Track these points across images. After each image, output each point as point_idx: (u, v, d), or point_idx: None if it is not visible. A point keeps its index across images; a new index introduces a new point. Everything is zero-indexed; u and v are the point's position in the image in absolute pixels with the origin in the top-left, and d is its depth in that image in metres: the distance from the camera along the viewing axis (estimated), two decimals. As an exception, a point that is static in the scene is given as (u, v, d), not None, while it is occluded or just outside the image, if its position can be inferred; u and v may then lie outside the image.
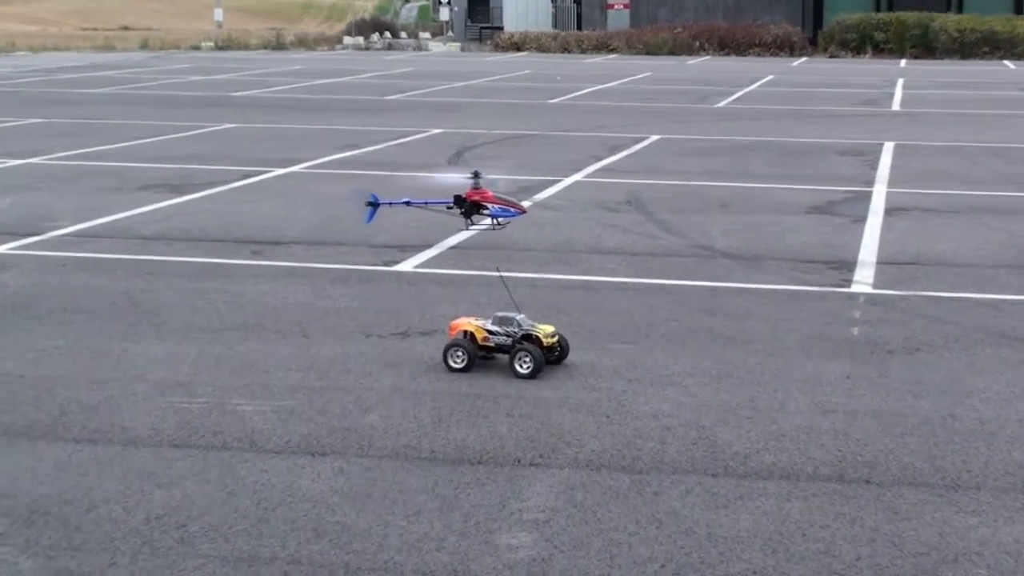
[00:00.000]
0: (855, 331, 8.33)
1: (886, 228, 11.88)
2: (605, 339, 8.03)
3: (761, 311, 8.78)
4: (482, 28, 63.83)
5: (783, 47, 46.78)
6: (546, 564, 4.83)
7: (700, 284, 9.66)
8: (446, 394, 6.88)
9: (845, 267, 10.21)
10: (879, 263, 10.35)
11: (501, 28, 59.88)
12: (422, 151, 17.81)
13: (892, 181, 14.83)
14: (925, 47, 45.04)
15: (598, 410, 6.63)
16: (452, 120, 21.94)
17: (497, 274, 8.09)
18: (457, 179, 8.51)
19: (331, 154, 17.16)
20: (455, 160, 16.46)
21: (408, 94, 28.12)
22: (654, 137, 19.33)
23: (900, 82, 32.01)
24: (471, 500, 5.43)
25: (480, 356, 7.33)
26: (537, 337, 7.27)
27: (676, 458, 5.95)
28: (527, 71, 36.44)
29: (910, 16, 46.62)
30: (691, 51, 46.63)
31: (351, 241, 11.10)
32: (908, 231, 11.80)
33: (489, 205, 9.40)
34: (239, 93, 28.19)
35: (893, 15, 47.34)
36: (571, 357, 7.48)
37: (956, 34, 44.96)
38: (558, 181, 14.68)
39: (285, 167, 15.82)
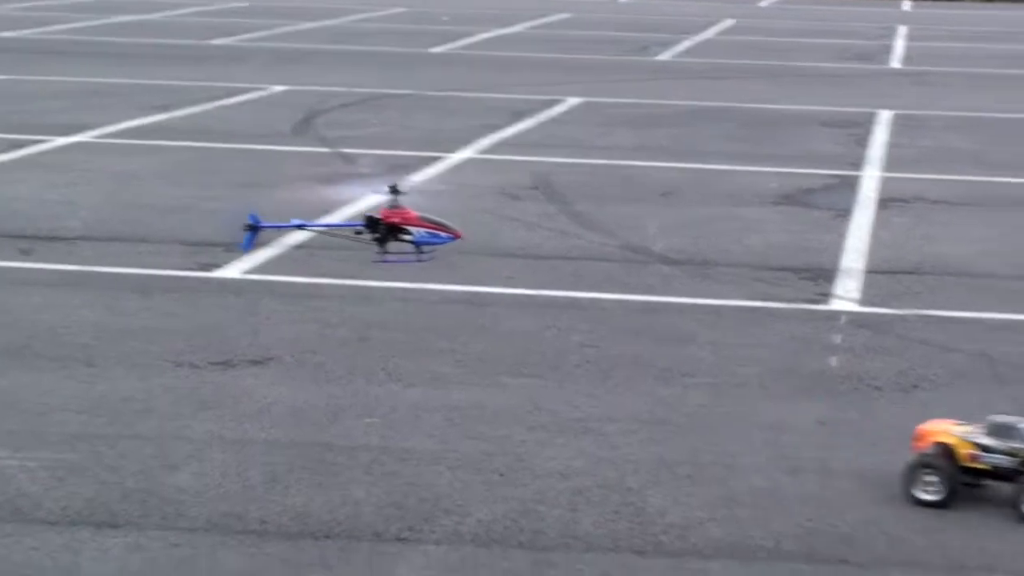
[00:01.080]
0: (834, 362, 8.41)
1: (878, 225, 11.99)
2: (498, 371, 8.08)
3: (709, 335, 8.84)
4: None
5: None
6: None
7: (629, 298, 9.67)
8: (283, 444, 6.89)
9: (823, 277, 10.28)
10: (868, 272, 10.45)
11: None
12: (258, 116, 17.69)
13: (888, 163, 15.00)
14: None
15: (488, 467, 6.67)
16: (298, 74, 21.75)
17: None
18: (364, 194, 8.50)
19: (132, 118, 17.02)
20: (301, 129, 16.34)
21: (240, 37, 27.84)
22: (573, 100, 19.30)
23: (902, 31, 32.30)
24: (315, 588, 5.46)
25: (964, 483, 6.36)
26: None
27: (591, 531, 5.99)
28: (400, 8, 36.25)
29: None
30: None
31: (156, 236, 11.03)
32: (907, 230, 11.91)
33: (413, 229, 9.43)
34: (4, 33, 27.81)
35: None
36: (455, 395, 7.54)
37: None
38: (440, 158, 14.66)
39: (69, 135, 15.69)
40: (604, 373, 8.12)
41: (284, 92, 19.72)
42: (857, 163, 14.92)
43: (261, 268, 10.30)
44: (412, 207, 8.77)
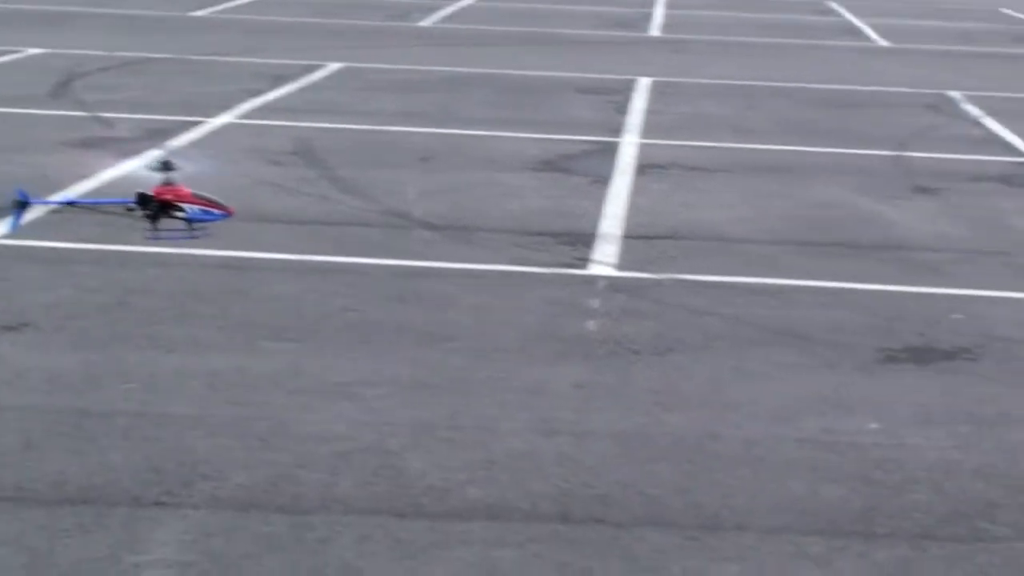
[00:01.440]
0: (591, 325, 8.49)
1: (636, 191, 12.13)
2: (259, 336, 8.07)
3: (469, 299, 8.89)
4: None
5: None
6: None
7: (389, 263, 9.69)
8: (38, 410, 6.81)
9: (581, 241, 10.35)
10: (626, 237, 10.56)
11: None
12: (11, 79, 17.40)
13: (646, 130, 15.18)
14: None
15: (248, 432, 6.66)
16: (56, 36, 21.42)
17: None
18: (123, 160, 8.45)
19: None
20: (59, 93, 16.14)
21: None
22: (334, 65, 19.33)
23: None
24: (72, 554, 5.41)
25: None
26: None
27: (351, 494, 6.03)
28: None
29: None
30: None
31: None
32: (665, 195, 12.07)
33: (185, 206, 9.31)
34: None
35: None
36: (215, 360, 7.53)
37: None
38: (200, 123, 14.55)
39: None
40: (365, 337, 8.13)
41: (41, 55, 19.43)
42: (616, 130, 15.08)
43: (15, 233, 10.14)
44: (185, 183, 8.66)
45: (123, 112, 14.85)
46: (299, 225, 10.73)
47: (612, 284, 9.40)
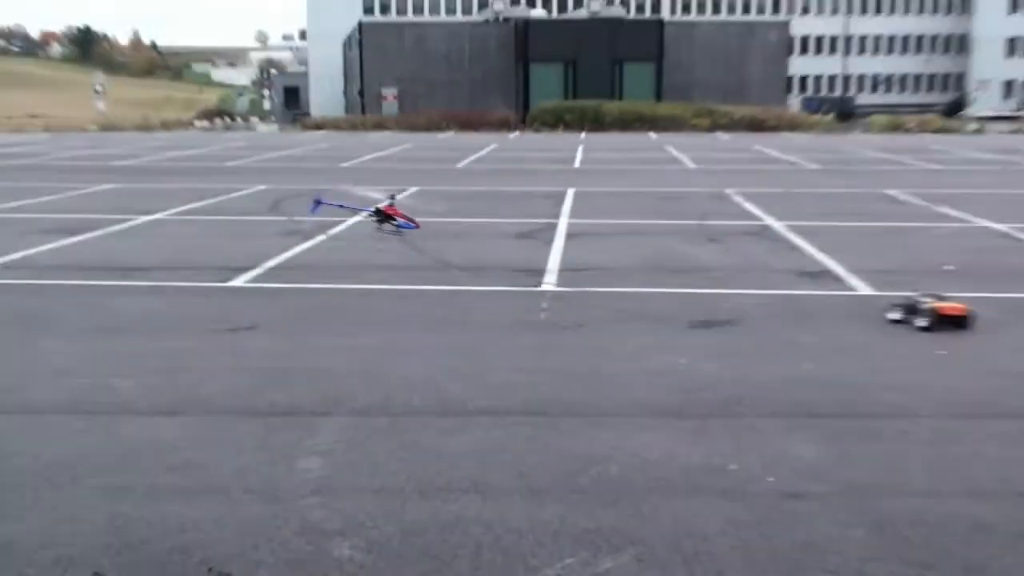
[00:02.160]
0: (543, 315, 8.53)
1: (567, 247, 12.13)
2: (374, 326, 8.13)
3: (481, 304, 8.95)
4: (295, 114, 63.13)
5: (504, 125, 47.49)
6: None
7: (439, 288, 9.65)
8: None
9: (538, 274, 10.38)
10: (561, 270, 10.57)
11: (308, 113, 59.21)
12: (251, 202, 17.49)
13: (573, 214, 15.21)
14: (599, 123, 46.38)
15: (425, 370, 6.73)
16: (272, 179, 21.58)
17: None
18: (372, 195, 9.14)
19: (185, 204, 16.78)
20: (275, 208, 16.20)
21: (240, 161, 27.58)
22: (414, 188, 19.39)
23: (581, 148, 32.84)
24: (280, 439, 5.47)
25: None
26: None
27: (435, 403, 6.12)
28: (325, 144, 36.09)
29: (588, 103, 48.01)
30: (440, 129, 46.92)
31: None
32: (581, 248, 12.07)
33: (398, 219, 9.35)
34: (119, 163, 27.21)
35: (577, 102, 48.68)
36: (360, 340, 7.57)
37: (619, 114, 46.47)
38: (346, 220, 14.44)
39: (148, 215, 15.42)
40: (429, 327, 8.15)
41: (265, 189, 19.42)
42: (557, 215, 15.09)
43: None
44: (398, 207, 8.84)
45: (305, 216, 14.83)
46: (394, 270, 10.71)
47: (554, 295, 9.41)
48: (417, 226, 9.42)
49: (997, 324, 8.24)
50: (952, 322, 7.84)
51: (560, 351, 7.36)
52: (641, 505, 4.67)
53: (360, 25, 57.39)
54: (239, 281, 10.01)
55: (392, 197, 8.97)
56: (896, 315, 8.16)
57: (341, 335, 7.80)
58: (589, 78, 52.21)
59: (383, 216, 9.49)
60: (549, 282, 9.96)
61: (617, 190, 19.22)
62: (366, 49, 54.84)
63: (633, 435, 5.58)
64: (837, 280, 10.11)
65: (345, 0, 76.03)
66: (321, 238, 12.69)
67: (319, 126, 50.49)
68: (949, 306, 7.94)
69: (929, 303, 7.98)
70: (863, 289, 9.66)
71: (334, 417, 5.85)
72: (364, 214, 9.06)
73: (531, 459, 5.22)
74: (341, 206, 9.21)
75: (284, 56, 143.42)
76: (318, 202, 8.95)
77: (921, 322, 7.90)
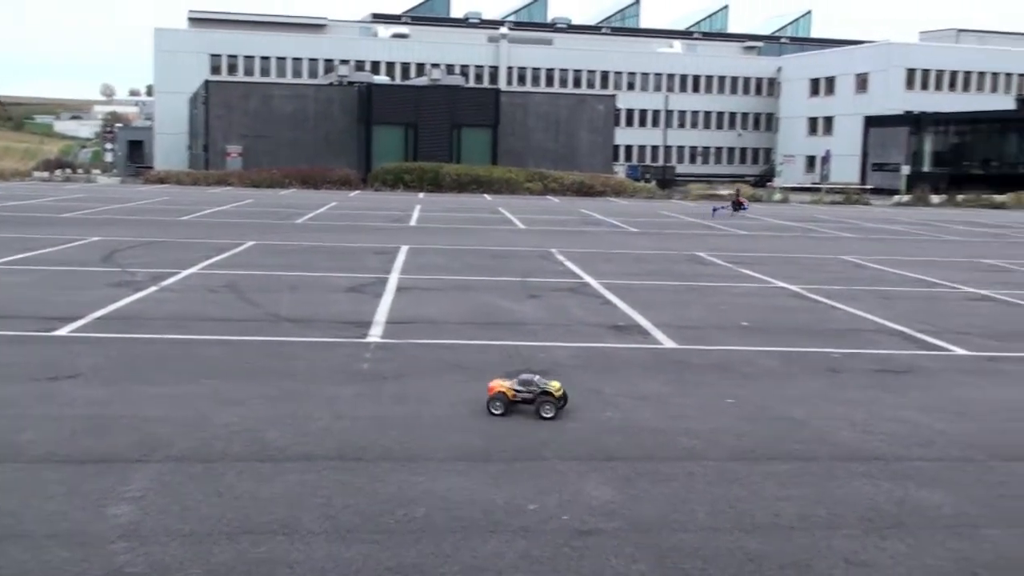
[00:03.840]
0: (365, 366, 8.52)
1: (395, 301, 12.15)
2: (200, 375, 7.97)
3: (307, 354, 8.87)
4: (137, 167, 61.45)
5: (345, 183, 47.27)
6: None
7: (267, 339, 9.55)
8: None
9: (365, 326, 10.37)
10: (388, 323, 10.59)
11: (151, 167, 57.72)
12: (85, 253, 16.88)
13: (404, 270, 15.24)
14: (437, 184, 46.69)
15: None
16: (108, 231, 20.86)
17: None
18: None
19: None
20: (108, 260, 15.66)
21: (77, 213, 26.58)
22: (250, 243, 19.08)
23: (418, 207, 32.96)
24: (92, 486, 5.30)
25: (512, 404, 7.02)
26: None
27: (235, 451, 6.03)
28: (166, 197, 35.18)
29: (427, 165, 48.33)
30: (283, 185, 46.36)
31: None
32: (409, 302, 12.09)
33: (745, 203, 12.21)
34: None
35: (416, 164, 48.92)
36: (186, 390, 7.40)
37: (456, 176, 46.93)
38: (179, 272, 14.27)
39: (-22, 264, 14.68)
40: (254, 375, 8.04)
41: (99, 240, 18.77)
42: (388, 271, 15.10)
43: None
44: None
45: (140, 268, 14.51)
46: (227, 322, 10.53)
47: (378, 346, 9.41)
48: (747, 207, 13.15)
49: (781, 375, 8.68)
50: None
51: (380, 399, 7.37)
52: (442, 544, 4.72)
53: (207, 83, 56.44)
54: (64, 331, 9.65)
55: (737, 191, 10.92)
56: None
57: (164, 384, 7.62)
58: (429, 141, 52.64)
59: (736, 204, 12.98)
60: (375, 334, 9.95)
61: (449, 247, 19.36)
62: (212, 106, 53.92)
63: (442, 478, 5.63)
64: (644, 334, 10.46)
65: (193, 58, 74.71)
66: (152, 289, 12.38)
67: (162, 179, 49.16)
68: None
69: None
70: (667, 343, 10.01)
71: (149, 464, 5.71)
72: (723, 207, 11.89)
73: (341, 502, 5.21)
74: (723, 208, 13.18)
75: (130, 110, 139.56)
76: (715, 209, 12.06)
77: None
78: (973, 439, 6.81)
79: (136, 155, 70.39)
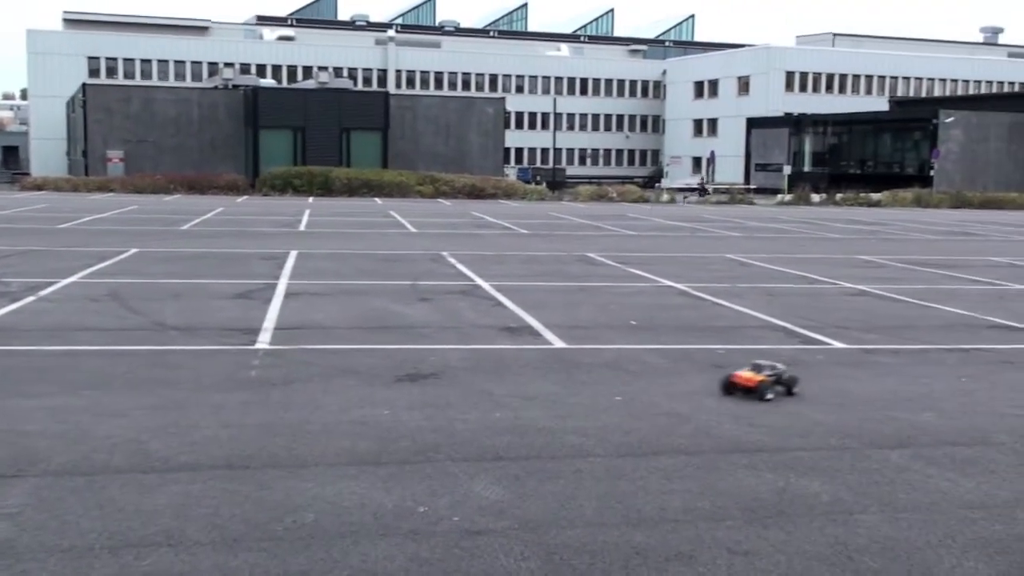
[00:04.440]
0: (253, 373, 8.42)
1: (284, 306, 12.03)
2: (79, 387, 7.78)
3: (192, 363, 8.73)
4: (13, 173, 59.33)
5: (233, 188, 46.45)
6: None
7: (152, 348, 9.38)
8: None
9: (253, 332, 10.25)
10: (276, 329, 10.48)
11: (28, 173, 55.75)
12: (-45, 263, 16.25)
13: (293, 276, 15.09)
14: (327, 189, 46.22)
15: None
16: (-18, 240, 20.12)
17: None
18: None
19: None
20: (-19, 269, 15.11)
21: (-51, 221, 25.53)
22: (133, 250, 18.62)
23: (307, 212, 32.60)
24: None
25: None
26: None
27: (114, 463, 5.90)
28: (44, 204, 34.04)
29: (317, 169, 47.79)
30: (168, 191, 45.31)
31: None
32: (298, 308, 11.98)
33: (710, 190, 20.48)
34: None
35: (305, 168, 48.33)
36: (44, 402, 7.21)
37: (346, 180, 46.53)
38: (58, 281, 13.84)
39: None
40: (135, 385, 7.86)
41: (-28, 250, 18.10)
42: (277, 276, 14.93)
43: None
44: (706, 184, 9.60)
45: (14, 278, 14.04)
46: (105, 331, 10.29)
47: (267, 352, 9.31)
48: (707, 192, 13.32)
49: (668, 371, 8.87)
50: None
51: (267, 406, 7.29)
52: (332, 549, 4.69)
53: (84, 87, 54.78)
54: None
55: (703, 179, 11.48)
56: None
57: (42, 396, 7.40)
58: (318, 145, 52.08)
59: (703, 189, 13.85)
60: (263, 341, 9.83)
61: (339, 252, 19.20)
62: (90, 110, 52.35)
63: (332, 484, 5.60)
64: (534, 335, 10.56)
65: (69, 60, 72.43)
66: (29, 299, 11.99)
67: (39, 186, 47.49)
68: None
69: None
70: (557, 343, 10.12)
71: (26, 478, 5.55)
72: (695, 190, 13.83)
73: (228, 511, 5.14)
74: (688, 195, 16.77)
75: (4, 115, 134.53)
76: (685, 196, 14.29)
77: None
78: (850, 429, 7.06)
79: (11, 161, 68.02)
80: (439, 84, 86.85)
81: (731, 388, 7.80)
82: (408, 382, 8.21)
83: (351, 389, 7.89)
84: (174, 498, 5.30)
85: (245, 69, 74.27)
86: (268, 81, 67.42)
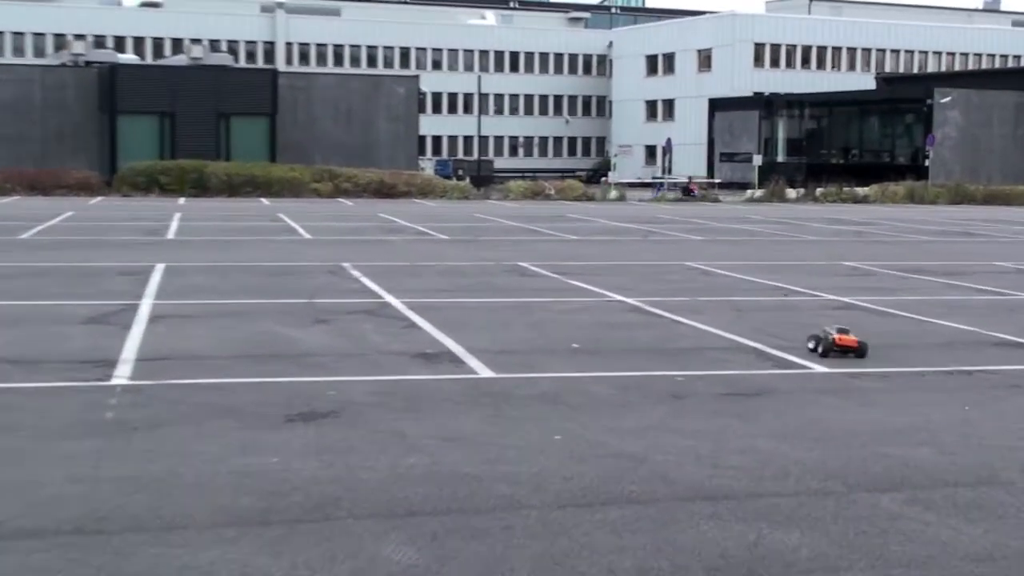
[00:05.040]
0: (109, 415, 8.28)
1: (148, 332, 11.87)
2: None
3: (34, 404, 8.58)
4: None
5: (85, 188, 45.74)
6: None
7: (-19, 386, 9.19)
8: None
9: (109, 364, 10.08)
10: (138, 360, 10.33)
11: None
12: None
13: (159, 295, 14.91)
14: (202, 187, 45.78)
15: None
16: None
17: None
18: None
19: None
20: None
21: None
22: (-40, 265, 18.20)
23: (178, 216, 32.26)
24: None
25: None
26: None
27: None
28: None
29: (189, 163, 47.32)
30: (3, 192, 44.47)
31: None
32: (165, 334, 11.85)
33: (695, 191, 25.71)
34: None
35: (175, 162, 47.88)
36: None
37: (225, 177, 46.16)
38: None
39: None
40: None
41: None
42: (139, 296, 14.72)
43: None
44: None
45: None
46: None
47: (126, 389, 9.18)
48: (694, 192, 18.36)
49: (617, 404, 8.92)
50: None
51: (128, 456, 7.19)
52: (206, 631, 4.62)
53: None
54: None
55: (689, 179, 14.08)
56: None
57: None
58: (190, 134, 51.54)
59: (687, 189, 17.56)
60: (121, 375, 9.71)
61: (217, 264, 19.04)
62: (-97, 93, 51.38)
63: (207, 549, 5.53)
64: (456, 362, 10.55)
65: None
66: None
67: None
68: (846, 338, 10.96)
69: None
70: (483, 371, 10.13)
71: None
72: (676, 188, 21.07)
73: (80, 586, 5.05)
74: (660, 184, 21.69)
75: None
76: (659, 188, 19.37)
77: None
78: (833, 469, 7.16)
79: None
80: (339, 60, 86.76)
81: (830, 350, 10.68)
82: (301, 423, 8.15)
83: (231, 432, 7.81)
84: (11, 571, 5.18)
85: (100, 42, 73.42)
86: (128, 57, 66.67)
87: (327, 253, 21.49)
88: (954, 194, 50.71)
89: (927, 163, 55.56)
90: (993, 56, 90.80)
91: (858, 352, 10.79)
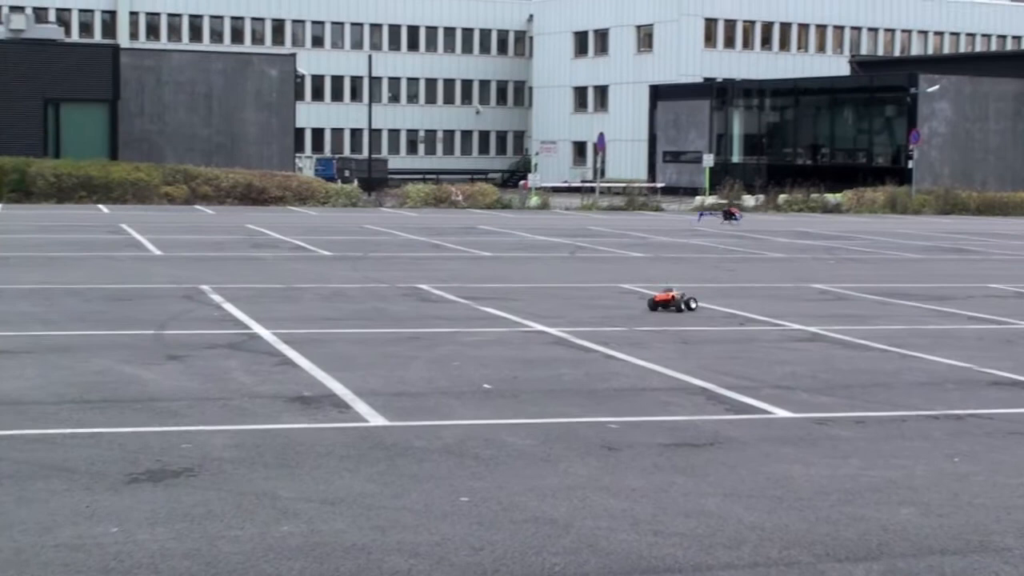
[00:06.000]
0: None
1: (-46, 372, 11.69)
2: None
3: None
4: None
5: None
6: None
7: None
8: None
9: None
10: (-60, 407, 10.18)
11: None
12: None
13: (-32, 325, 14.70)
14: (24, 191, 45.20)
15: None
16: None
17: None
18: None
19: None
20: None
21: None
22: None
23: (-6, 226, 31.82)
24: None
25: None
26: None
27: None
28: None
29: (7, 161, 46.68)
30: None
31: None
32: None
33: (737, 214, 33.04)
34: None
35: (-10, 160, 47.18)
36: None
37: (53, 179, 45.64)
38: None
39: None
40: None
41: None
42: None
43: None
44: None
45: None
46: None
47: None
48: (738, 216, 24.68)
49: (537, 458, 8.96)
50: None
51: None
52: None
53: None
54: None
55: (729, 202, 23.37)
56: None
57: None
58: (9, 125, 50.95)
59: (728, 212, 25.31)
60: None
61: (41, 287, 18.78)
62: None
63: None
64: (340, 407, 10.53)
65: None
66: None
67: None
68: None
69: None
70: (374, 419, 10.13)
71: None
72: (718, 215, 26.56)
73: None
74: (701, 214, 27.61)
75: None
76: (701, 214, 25.54)
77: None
78: (796, 534, 7.24)
79: None
80: (196, 34, 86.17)
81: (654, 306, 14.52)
82: (149, 483, 8.07)
83: (60, 496, 7.69)
84: None
85: None
86: (-69, 28, 65.63)
87: (181, 273, 21.29)
88: (943, 202, 51.63)
89: (911, 165, 56.54)
90: (988, 37, 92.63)
91: (676, 305, 15.79)
